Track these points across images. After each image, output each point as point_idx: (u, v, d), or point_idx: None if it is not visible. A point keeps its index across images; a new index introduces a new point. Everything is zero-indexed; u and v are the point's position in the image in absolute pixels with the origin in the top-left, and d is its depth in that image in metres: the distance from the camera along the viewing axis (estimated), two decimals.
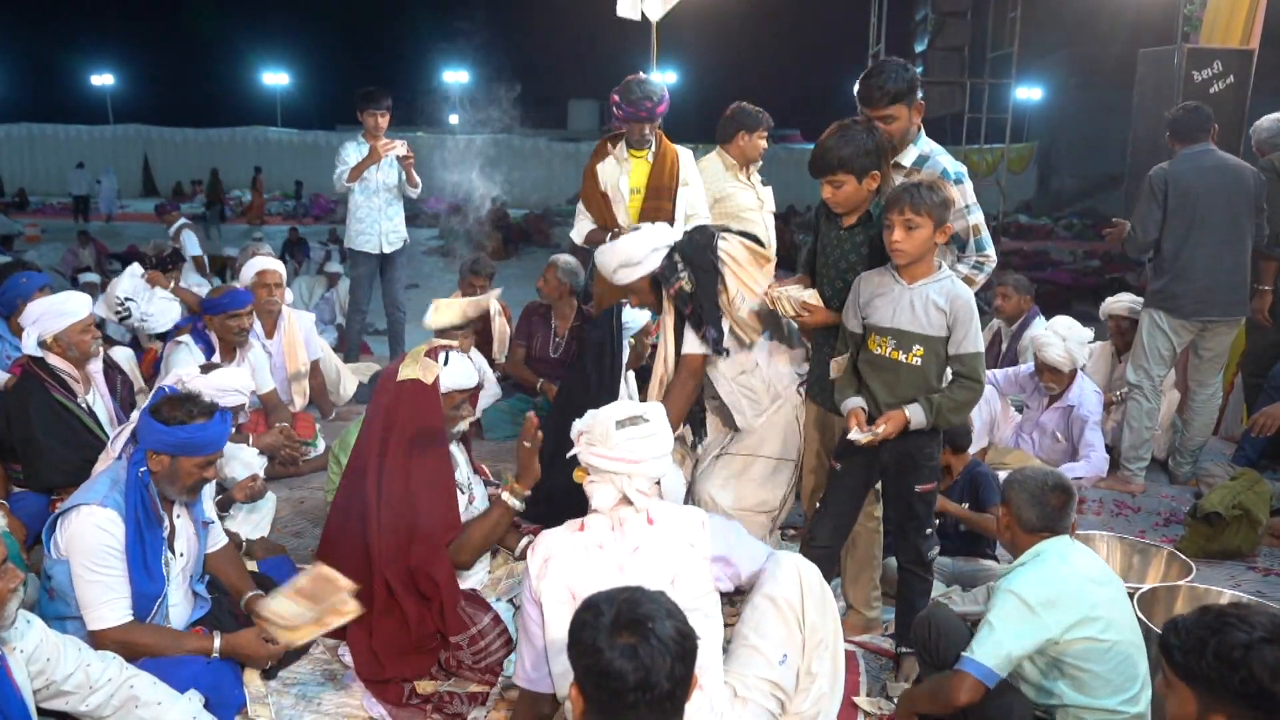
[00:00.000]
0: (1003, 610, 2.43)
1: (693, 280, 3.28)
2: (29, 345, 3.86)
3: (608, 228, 4.66)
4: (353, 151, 6.31)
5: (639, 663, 1.61)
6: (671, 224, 4.56)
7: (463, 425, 3.33)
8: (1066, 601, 2.41)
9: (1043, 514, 2.56)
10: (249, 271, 5.26)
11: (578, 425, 2.53)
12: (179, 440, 2.76)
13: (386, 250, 6.51)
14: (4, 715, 2.14)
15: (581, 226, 4.84)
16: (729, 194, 4.90)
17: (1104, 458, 4.80)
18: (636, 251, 3.37)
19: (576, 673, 1.71)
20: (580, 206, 4.85)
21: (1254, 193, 4.64)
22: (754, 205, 4.93)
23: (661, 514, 2.43)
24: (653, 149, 4.64)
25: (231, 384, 3.65)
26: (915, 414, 2.90)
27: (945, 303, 2.88)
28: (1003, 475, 4.67)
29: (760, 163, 5.06)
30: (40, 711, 2.30)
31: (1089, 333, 4.83)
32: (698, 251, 3.30)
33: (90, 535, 2.66)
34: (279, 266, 5.37)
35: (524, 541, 3.70)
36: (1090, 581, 2.47)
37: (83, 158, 28.45)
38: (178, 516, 2.92)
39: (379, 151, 6.17)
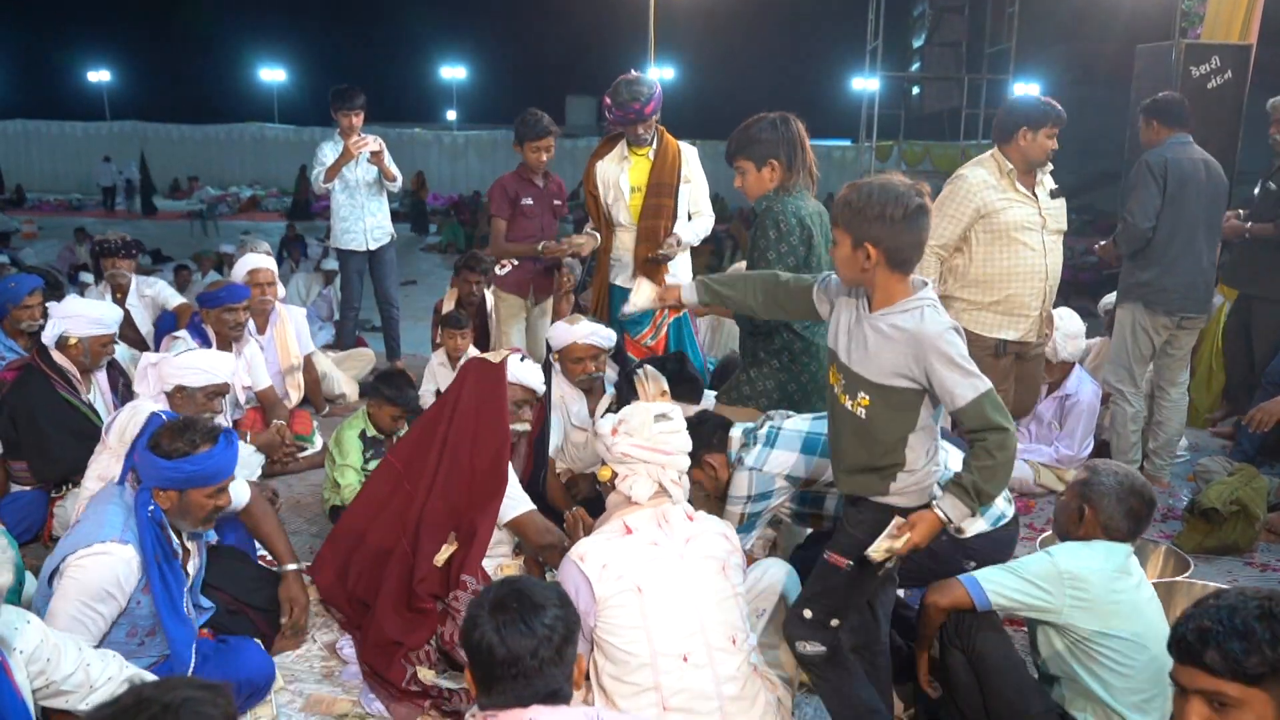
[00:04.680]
0: (1031, 561, 2.50)
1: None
2: (49, 337, 3.93)
3: (600, 227, 4.73)
4: (329, 151, 6.26)
5: (505, 638, 1.76)
6: (674, 221, 4.55)
7: (519, 426, 3.43)
8: (1092, 590, 2.39)
9: (1129, 521, 2.54)
10: (241, 269, 5.26)
11: (609, 419, 2.61)
12: (186, 474, 2.57)
13: (373, 246, 6.49)
14: (3, 717, 2.14)
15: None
16: (997, 209, 3.87)
17: (1071, 454, 4.70)
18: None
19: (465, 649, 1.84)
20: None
21: (1225, 191, 4.62)
22: (1032, 223, 3.92)
23: (696, 512, 2.57)
24: (654, 146, 4.57)
25: (213, 364, 3.71)
26: (950, 508, 2.28)
27: (905, 345, 2.25)
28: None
29: (1050, 167, 4.06)
30: (44, 712, 2.29)
31: (1081, 326, 4.80)
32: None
33: (104, 572, 2.48)
34: (271, 264, 5.36)
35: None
36: (1131, 587, 2.46)
37: (79, 154, 28.46)
38: (189, 539, 2.82)
39: (351, 150, 6.14)
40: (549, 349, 4.17)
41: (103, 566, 2.49)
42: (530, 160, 4.92)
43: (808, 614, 2.47)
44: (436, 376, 5.24)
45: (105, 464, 3.28)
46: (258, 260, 5.30)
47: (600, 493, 2.68)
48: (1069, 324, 4.69)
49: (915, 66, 14.13)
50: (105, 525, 2.57)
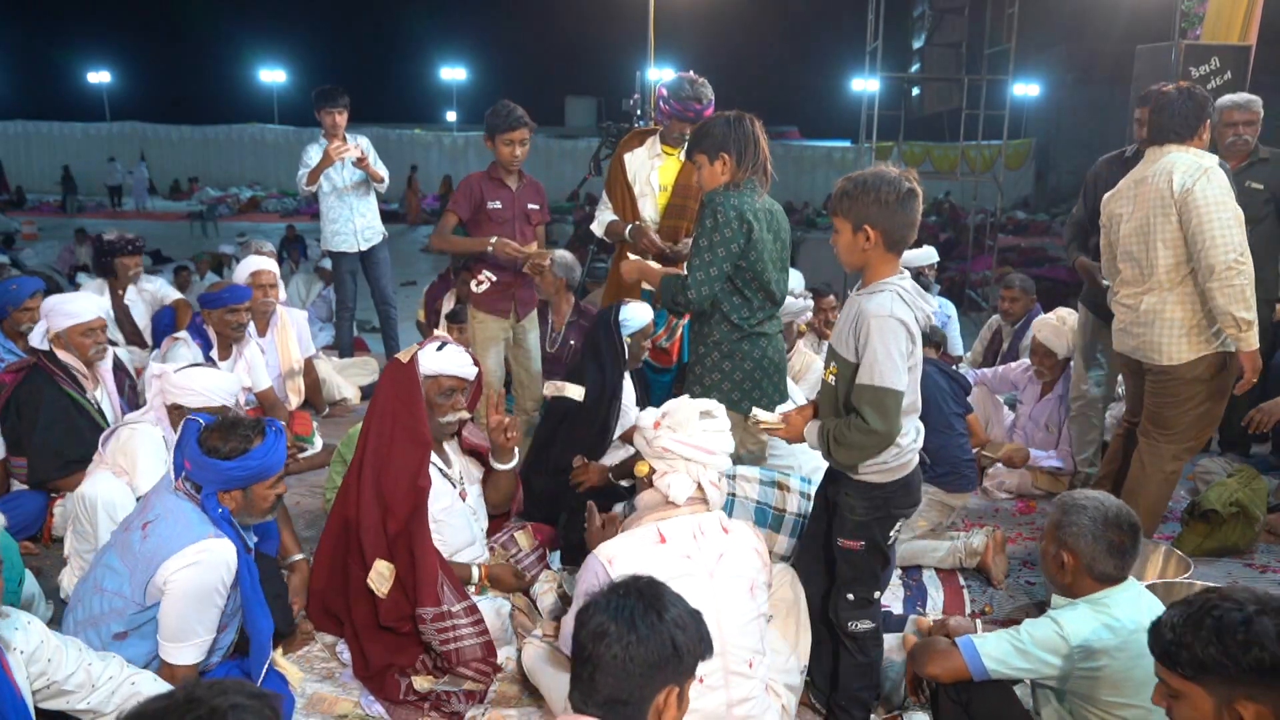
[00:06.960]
0: (1038, 631, 2.31)
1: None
2: (35, 339, 3.95)
3: (626, 220, 4.55)
4: (314, 153, 6.22)
5: (620, 631, 1.59)
6: (694, 224, 4.52)
7: (452, 417, 3.21)
8: (1104, 661, 2.23)
9: (1114, 558, 2.31)
10: (243, 271, 5.25)
11: (651, 412, 2.58)
12: (250, 471, 2.62)
13: (364, 247, 6.47)
14: (2, 716, 2.14)
15: (603, 218, 4.63)
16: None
17: (1069, 453, 4.72)
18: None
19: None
20: (604, 196, 4.68)
21: None
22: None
23: (731, 523, 2.51)
24: (685, 149, 4.44)
25: (211, 386, 3.50)
26: (810, 431, 2.57)
27: (854, 318, 2.45)
28: (1005, 478, 4.68)
29: None
30: (39, 712, 2.30)
31: None
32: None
33: (215, 570, 2.52)
34: (273, 265, 5.37)
35: (542, 585, 3.46)
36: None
37: (80, 155, 28.53)
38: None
39: (331, 156, 6.08)
40: (618, 334, 3.98)
41: (211, 567, 2.52)
42: (503, 155, 4.41)
43: (851, 597, 2.62)
44: None
45: (105, 478, 3.32)
46: (260, 262, 5.30)
47: (612, 483, 2.64)
48: (1073, 321, 4.69)
49: (915, 67, 14.10)
50: (192, 524, 2.56)
